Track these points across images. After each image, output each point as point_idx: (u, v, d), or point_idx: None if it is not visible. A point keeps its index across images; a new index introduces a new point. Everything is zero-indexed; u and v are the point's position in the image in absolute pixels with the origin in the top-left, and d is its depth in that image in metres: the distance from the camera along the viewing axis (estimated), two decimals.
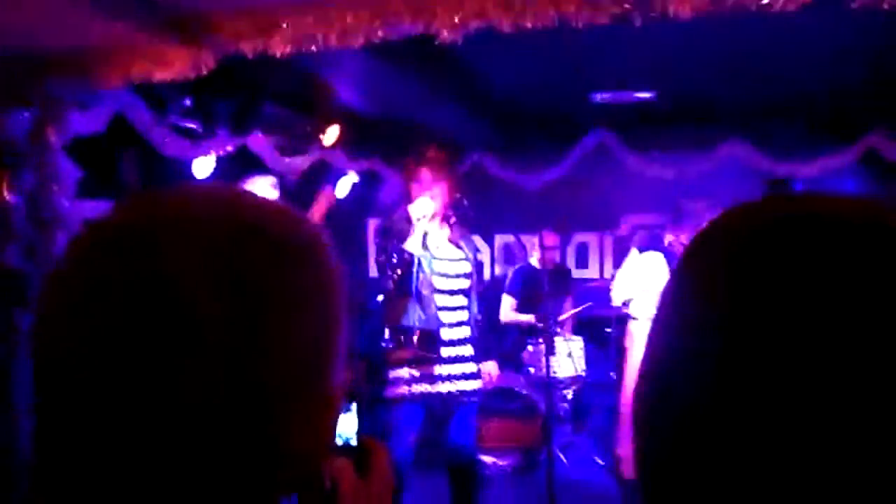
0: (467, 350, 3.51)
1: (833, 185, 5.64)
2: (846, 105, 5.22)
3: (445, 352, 3.42)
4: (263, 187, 3.74)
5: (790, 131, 5.53)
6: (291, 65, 3.27)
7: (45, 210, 3.06)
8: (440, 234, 3.49)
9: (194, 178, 4.33)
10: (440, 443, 3.56)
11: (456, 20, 2.26)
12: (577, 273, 6.24)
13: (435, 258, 3.41)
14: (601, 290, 5.76)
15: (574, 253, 6.68)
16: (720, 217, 0.53)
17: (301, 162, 5.04)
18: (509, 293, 5.54)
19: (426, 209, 3.30)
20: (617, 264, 6.52)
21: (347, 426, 0.81)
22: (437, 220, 3.44)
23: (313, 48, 2.44)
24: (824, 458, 0.42)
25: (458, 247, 3.52)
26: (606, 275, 6.48)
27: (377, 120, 5.55)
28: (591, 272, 6.62)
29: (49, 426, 0.54)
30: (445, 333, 3.43)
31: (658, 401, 0.51)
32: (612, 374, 5.24)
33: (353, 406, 0.84)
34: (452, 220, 3.49)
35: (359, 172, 5.78)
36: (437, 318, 3.40)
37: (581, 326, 5.47)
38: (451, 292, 3.47)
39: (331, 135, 5.09)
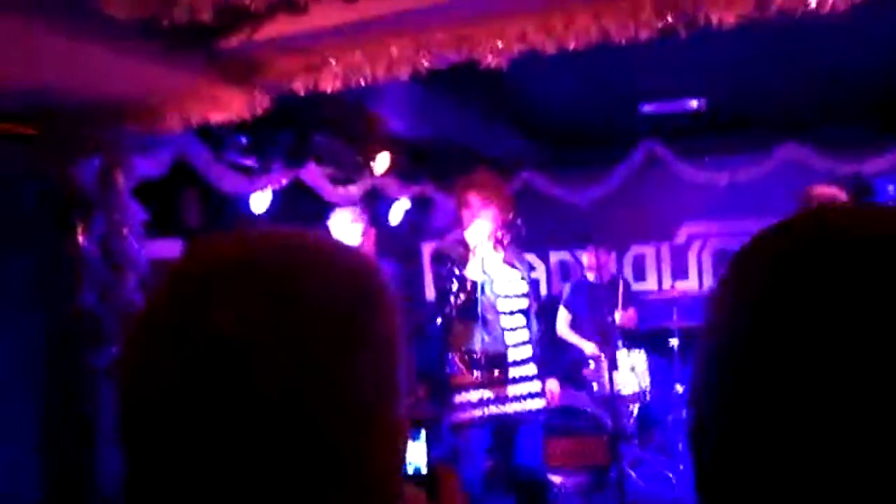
0: (531, 369, 3.51)
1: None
2: None
3: (511, 372, 3.43)
4: (345, 219, 3.82)
5: (844, 132, 5.38)
6: (340, 96, 3.35)
7: (117, 253, 3.19)
8: (495, 256, 3.50)
9: (252, 213, 4.45)
10: (508, 464, 3.56)
11: (498, 45, 2.30)
12: (635, 286, 6.16)
13: (493, 280, 3.43)
14: (661, 302, 5.68)
15: (631, 265, 6.60)
16: (758, 235, 0.55)
17: (354, 191, 5.13)
18: (565, 306, 5.52)
19: (482, 234, 3.33)
20: (675, 275, 6.43)
21: (417, 454, 0.83)
22: (492, 242, 3.46)
23: (361, 82, 2.51)
24: (851, 468, 0.45)
25: (514, 267, 3.54)
26: (665, 286, 6.37)
27: (426, 144, 5.62)
28: (650, 284, 6.52)
29: (135, 465, 0.58)
30: (509, 354, 3.44)
31: (706, 410, 0.54)
32: (677, 386, 5.15)
33: (423, 433, 0.85)
34: (506, 240, 3.50)
35: (411, 198, 5.85)
36: (503, 340, 3.41)
37: (643, 339, 5.39)
38: (511, 313, 3.49)
39: (381, 162, 5.17)
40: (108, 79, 2.45)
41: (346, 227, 3.57)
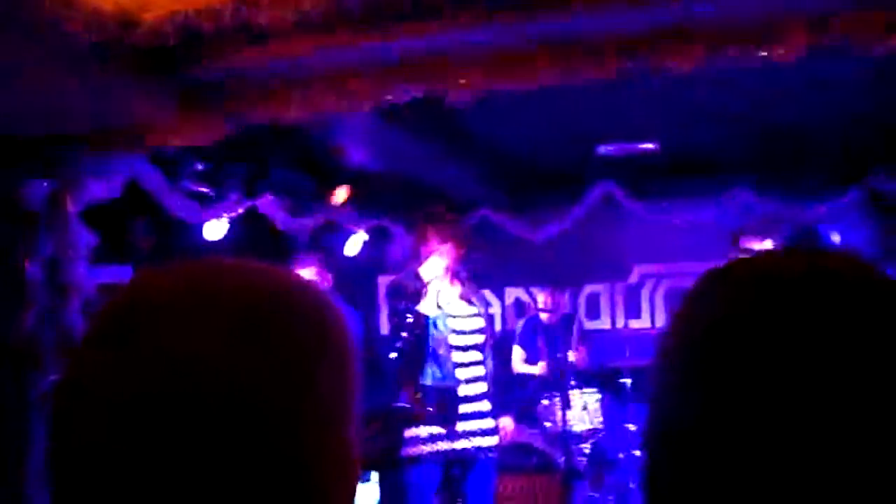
0: (484, 405, 3.49)
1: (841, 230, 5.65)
2: (850, 147, 5.27)
3: (463, 408, 3.41)
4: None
5: (797, 176, 5.57)
6: (300, 127, 3.35)
7: (62, 276, 3.10)
8: (451, 292, 3.51)
9: (204, 241, 4.38)
10: (458, 501, 3.52)
11: (461, 83, 2.33)
12: (589, 325, 6.22)
13: (448, 315, 3.43)
14: (614, 340, 5.74)
15: (585, 304, 6.67)
16: (705, 277, 0.59)
17: (310, 222, 5.10)
18: (519, 344, 5.54)
19: (437, 270, 3.34)
20: (629, 314, 6.51)
21: (368, 496, 0.80)
22: (448, 277, 3.47)
23: (322, 113, 2.51)
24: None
25: (471, 303, 3.54)
26: (619, 325, 6.45)
27: (385, 178, 5.63)
28: (603, 323, 6.59)
29: (64, 497, 0.54)
30: (462, 389, 3.43)
31: (659, 448, 0.56)
32: (629, 425, 5.17)
33: (374, 475, 0.83)
34: (463, 276, 3.52)
35: (368, 230, 5.83)
36: (454, 376, 3.40)
37: (595, 377, 5.42)
38: (466, 348, 3.48)
39: (340, 195, 5.16)
40: (64, 99, 2.40)
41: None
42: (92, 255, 3.28)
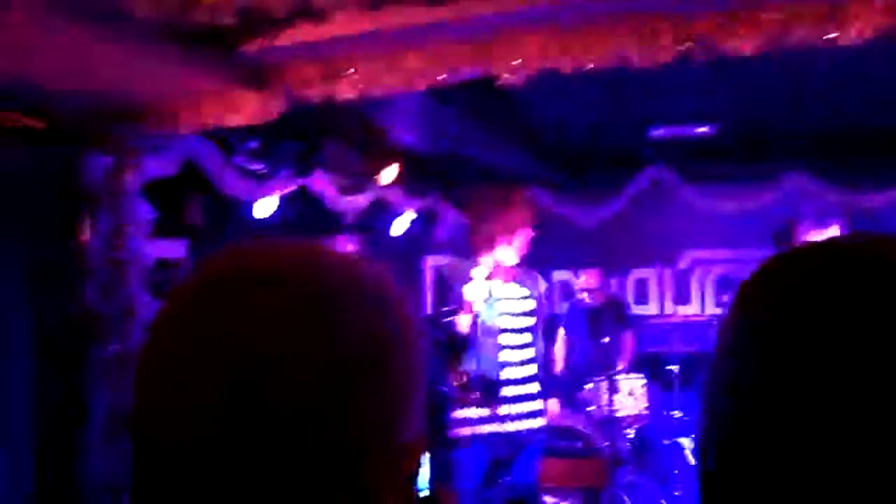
0: (533, 388, 3.48)
1: None
2: None
3: (513, 391, 3.41)
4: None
5: (855, 163, 5.40)
6: (352, 106, 3.36)
7: (121, 251, 3.18)
8: (505, 275, 3.48)
9: (254, 218, 4.44)
10: (503, 482, 3.54)
11: (516, 63, 2.30)
12: (636, 309, 6.15)
13: (499, 298, 3.42)
14: (662, 327, 5.67)
15: (633, 289, 6.59)
16: (768, 263, 0.57)
17: (360, 201, 5.13)
18: (564, 327, 5.52)
19: (516, 254, 3.34)
20: (677, 300, 6.42)
21: (420, 476, 0.81)
22: (511, 261, 3.45)
23: (377, 93, 2.51)
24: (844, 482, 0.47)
25: (523, 284, 3.51)
26: (667, 310, 6.36)
27: (434, 157, 5.63)
28: (651, 308, 6.51)
29: (144, 466, 0.56)
30: (512, 372, 3.43)
31: (713, 436, 0.55)
32: (674, 412, 5.12)
33: (426, 457, 0.83)
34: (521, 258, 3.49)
35: (416, 210, 5.85)
36: (496, 362, 3.39)
37: (642, 364, 5.38)
38: (517, 331, 3.46)
39: (389, 174, 5.17)
40: (124, 77, 2.45)
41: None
42: (149, 230, 3.37)
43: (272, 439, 0.53)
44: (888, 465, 0.46)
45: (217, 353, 0.54)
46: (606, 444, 4.52)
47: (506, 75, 2.37)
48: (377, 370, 0.57)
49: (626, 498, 4.85)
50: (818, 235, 3.28)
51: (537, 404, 3.48)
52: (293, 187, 4.48)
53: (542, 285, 3.57)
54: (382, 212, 5.71)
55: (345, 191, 4.92)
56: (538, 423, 3.47)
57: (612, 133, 5.30)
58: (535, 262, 3.83)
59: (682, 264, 6.47)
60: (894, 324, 0.47)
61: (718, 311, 5.78)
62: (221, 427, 0.53)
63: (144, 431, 0.56)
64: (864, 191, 5.24)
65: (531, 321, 3.50)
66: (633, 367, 5.28)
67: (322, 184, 4.62)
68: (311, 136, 4.56)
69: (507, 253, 3.37)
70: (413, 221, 5.98)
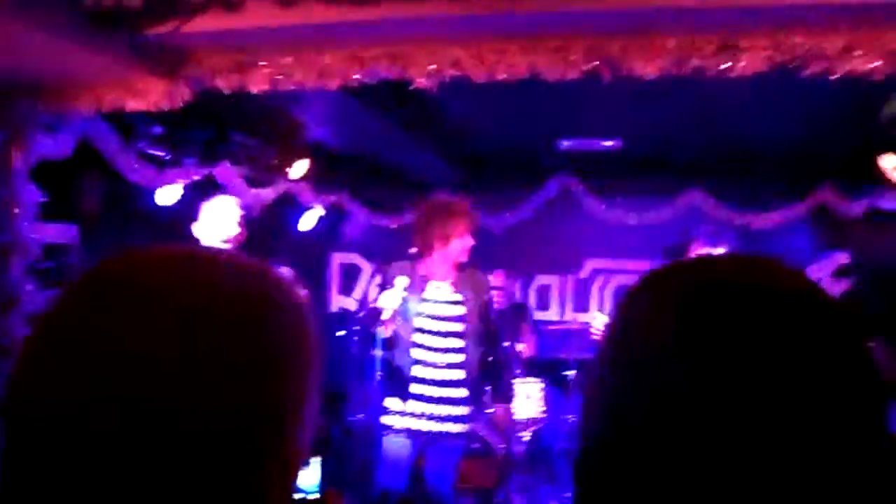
0: (458, 392, 3.49)
1: (786, 238, 5.83)
2: (800, 161, 5.43)
3: (426, 391, 3.44)
4: (228, 204, 3.60)
5: (748, 185, 5.72)
6: (263, 98, 3.29)
7: (5, 233, 3.01)
8: (444, 279, 3.50)
9: (155, 204, 4.28)
10: (421, 479, 3.58)
11: (431, 68, 2.32)
12: (537, 315, 6.30)
13: (426, 300, 3.44)
14: (561, 333, 5.83)
15: (535, 294, 6.75)
16: (651, 276, 0.62)
17: (267, 194, 5.04)
18: None
19: (448, 261, 3.43)
20: (577, 307, 6.61)
21: (309, 479, 0.80)
22: (446, 267, 3.47)
23: (290, 87, 2.48)
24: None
25: (457, 290, 3.52)
26: (567, 317, 6.55)
27: (345, 155, 5.59)
28: (552, 314, 6.68)
29: (15, 472, 0.55)
30: (425, 372, 3.45)
31: (592, 439, 0.58)
32: (569, 416, 5.27)
33: (317, 460, 0.83)
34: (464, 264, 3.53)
35: (325, 206, 5.79)
36: (410, 358, 3.42)
37: (540, 369, 5.51)
38: (436, 333, 3.47)
39: (299, 168, 5.11)
40: (20, 52, 2.32)
41: (226, 211, 3.35)
42: (36, 212, 3.19)
43: (159, 437, 0.52)
44: (738, 470, 0.49)
45: (109, 351, 0.53)
46: (502, 445, 4.60)
47: (420, 79, 2.39)
48: (269, 375, 0.57)
49: (518, 499, 4.96)
50: (707, 252, 3.47)
51: (460, 409, 3.49)
52: (198, 176, 4.36)
53: (488, 294, 3.61)
54: (291, 207, 5.63)
55: (252, 183, 4.82)
56: (457, 428, 3.49)
57: (523, 142, 5.41)
58: None
59: (583, 273, 6.67)
60: (740, 343, 0.51)
61: None
62: (108, 422, 0.52)
63: (23, 420, 0.54)
64: (755, 211, 5.56)
65: (458, 327, 3.49)
66: (530, 371, 5.40)
67: (229, 174, 4.51)
68: (219, 125, 4.44)
69: (444, 258, 3.43)
70: (321, 218, 5.92)
